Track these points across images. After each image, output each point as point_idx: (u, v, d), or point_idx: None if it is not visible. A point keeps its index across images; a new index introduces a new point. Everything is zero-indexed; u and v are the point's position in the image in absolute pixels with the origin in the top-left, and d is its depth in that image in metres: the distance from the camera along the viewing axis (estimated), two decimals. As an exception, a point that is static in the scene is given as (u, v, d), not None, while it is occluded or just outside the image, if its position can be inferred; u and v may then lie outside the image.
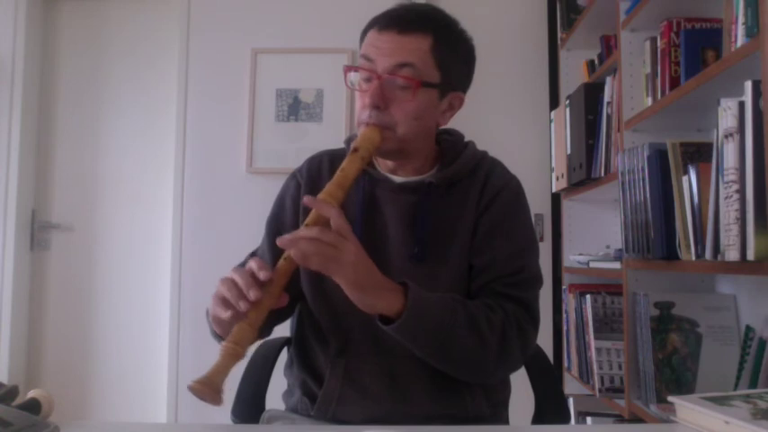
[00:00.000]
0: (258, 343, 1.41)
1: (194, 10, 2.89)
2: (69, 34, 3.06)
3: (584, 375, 2.20)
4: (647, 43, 1.79)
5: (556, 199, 2.65)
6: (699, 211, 1.39)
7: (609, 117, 2.06)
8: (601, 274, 2.10)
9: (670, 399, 0.92)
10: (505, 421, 1.22)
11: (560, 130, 2.45)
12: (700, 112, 1.60)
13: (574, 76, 2.62)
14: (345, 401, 1.10)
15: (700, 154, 1.49)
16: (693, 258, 1.42)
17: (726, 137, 1.24)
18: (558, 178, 2.50)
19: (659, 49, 1.71)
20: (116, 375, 2.89)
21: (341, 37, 2.77)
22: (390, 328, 0.99)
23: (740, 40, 1.29)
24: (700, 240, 1.39)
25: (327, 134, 2.78)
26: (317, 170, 1.22)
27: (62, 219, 2.98)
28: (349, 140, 1.20)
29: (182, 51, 2.88)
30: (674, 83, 1.65)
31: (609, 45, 2.29)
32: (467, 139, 1.25)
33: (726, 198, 1.24)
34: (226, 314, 0.93)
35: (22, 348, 2.90)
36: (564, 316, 2.48)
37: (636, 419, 1.72)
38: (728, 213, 1.23)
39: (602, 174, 2.08)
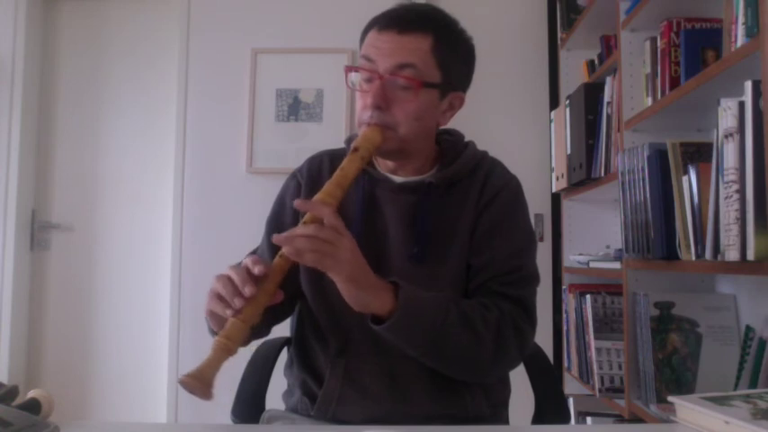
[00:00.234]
0: (258, 343, 1.41)
1: (194, 10, 2.89)
2: (69, 34, 3.06)
3: (584, 375, 2.20)
4: (647, 43, 1.79)
5: (556, 199, 2.65)
6: (699, 211, 1.39)
7: (609, 117, 2.06)
8: (601, 274, 2.10)
9: (670, 399, 0.92)
10: (505, 421, 1.22)
11: (560, 130, 2.45)
12: (700, 112, 1.60)
13: (574, 76, 2.62)
14: (345, 401, 1.10)
15: (700, 154, 1.49)
16: (693, 258, 1.42)
17: (726, 137, 1.24)
18: (558, 178, 2.50)
19: (659, 49, 1.71)
20: (116, 375, 2.89)
21: (341, 37, 2.77)
22: (381, 327, 1.00)
23: (740, 40, 1.29)
24: (700, 240, 1.39)
25: (327, 134, 2.78)
26: (318, 170, 1.22)
27: (62, 219, 2.98)
28: (349, 140, 1.20)
29: (182, 51, 2.88)
30: (674, 83, 1.65)
31: (609, 45, 2.29)
32: (467, 139, 1.25)
33: (726, 198, 1.24)
34: (222, 311, 0.93)
35: (22, 348, 2.90)
36: (564, 316, 2.48)
37: (636, 419, 1.72)
38: (728, 213, 1.23)
39: (602, 174, 2.08)
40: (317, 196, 1.00)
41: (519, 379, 1.31)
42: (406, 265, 1.11)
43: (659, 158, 1.55)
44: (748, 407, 0.85)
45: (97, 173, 2.99)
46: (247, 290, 0.91)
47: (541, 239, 2.68)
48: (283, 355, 1.35)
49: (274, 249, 0.99)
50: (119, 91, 3.01)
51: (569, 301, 2.37)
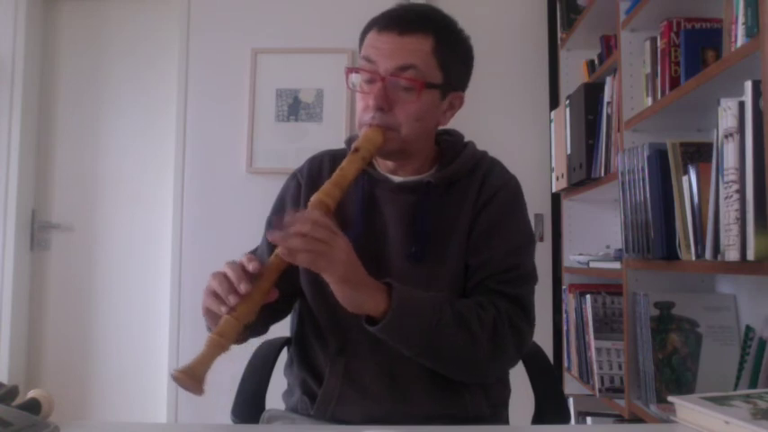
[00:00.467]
0: (258, 343, 1.41)
1: (194, 10, 2.89)
2: (69, 34, 3.06)
3: (584, 375, 2.20)
4: (647, 43, 1.79)
5: (556, 199, 2.65)
6: (699, 211, 1.39)
7: (609, 117, 2.06)
8: (601, 274, 2.10)
9: (670, 399, 0.92)
10: (505, 421, 1.22)
11: (560, 130, 2.45)
12: (700, 112, 1.60)
13: (574, 76, 2.62)
14: (345, 401, 1.10)
15: (700, 154, 1.49)
16: (693, 258, 1.42)
17: (726, 137, 1.24)
18: (558, 178, 2.50)
19: (659, 49, 1.71)
20: (116, 375, 2.89)
21: (341, 37, 2.77)
22: (375, 329, 1.00)
23: (740, 40, 1.29)
24: (700, 240, 1.39)
25: (327, 134, 2.78)
26: (318, 170, 1.22)
27: (62, 219, 2.98)
28: (350, 141, 1.20)
29: (182, 51, 2.88)
30: (674, 83, 1.65)
31: (609, 45, 2.28)
32: (467, 139, 1.25)
33: (726, 198, 1.24)
34: (216, 308, 0.93)
35: (22, 348, 2.90)
36: (564, 316, 2.48)
37: (636, 419, 1.72)
38: (728, 213, 1.23)
39: (602, 174, 2.08)
40: (315, 195, 1.00)
41: (519, 379, 1.31)
42: (404, 264, 1.11)
43: (659, 158, 1.55)
44: (748, 407, 0.85)
45: (97, 173, 2.99)
46: (242, 287, 0.91)
47: (541, 239, 2.68)
48: (283, 355, 1.35)
49: (273, 249, 0.99)
50: (119, 91, 3.01)
51: (569, 301, 2.37)
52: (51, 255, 2.98)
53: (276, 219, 1.23)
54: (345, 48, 2.76)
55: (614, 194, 1.89)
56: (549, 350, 2.43)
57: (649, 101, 1.77)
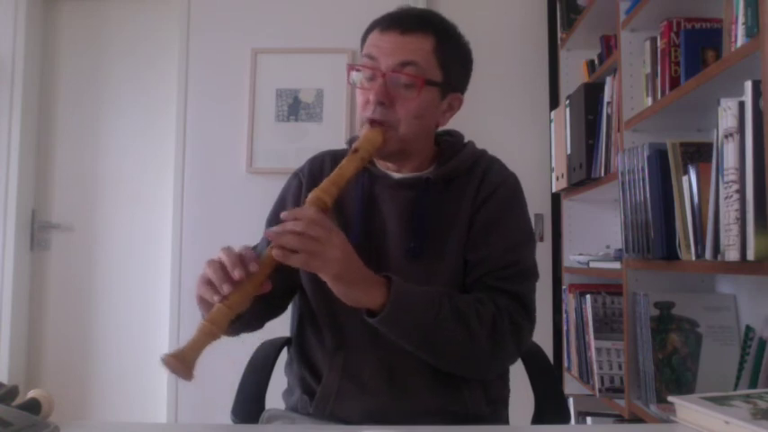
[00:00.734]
0: (258, 343, 1.41)
1: (194, 10, 2.89)
2: (69, 34, 3.06)
3: (584, 375, 2.20)
4: (647, 43, 1.79)
5: (556, 199, 2.65)
6: (699, 211, 1.39)
7: (609, 117, 2.06)
8: (601, 274, 2.10)
9: (670, 399, 0.92)
10: (505, 421, 1.22)
11: (560, 130, 2.45)
12: (700, 112, 1.60)
13: (574, 76, 2.62)
14: (344, 396, 1.11)
15: (700, 154, 1.49)
16: (693, 258, 1.42)
17: (726, 137, 1.24)
18: (558, 178, 2.50)
19: (659, 49, 1.71)
20: (116, 375, 2.89)
21: (341, 37, 2.77)
22: (374, 321, 1.01)
23: (740, 40, 1.29)
24: (700, 240, 1.39)
25: (327, 134, 2.78)
26: (319, 169, 1.23)
27: (62, 219, 2.98)
28: (351, 141, 1.21)
29: (182, 51, 2.88)
30: (674, 83, 1.65)
31: (609, 45, 2.28)
32: (467, 138, 1.26)
33: (726, 198, 1.24)
34: (210, 296, 0.94)
35: (22, 348, 2.90)
36: (564, 316, 2.48)
37: (636, 419, 1.72)
38: (728, 213, 1.23)
39: (602, 174, 2.08)
40: (312, 192, 1.00)
41: (519, 379, 1.31)
42: (403, 260, 1.12)
43: (659, 158, 1.55)
44: (748, 407, 0.85)
45: (97, 173, 2.99)
46: (236, 273, 0.91)
47: (541, 239, 2.68)
48: (283, 355, 1.35)
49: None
50: (119, 91, 3.01)
51: (569, 301, 2.37)
52: (51, 255, 2.98)
53: (273, 215, 1.24)
54: (345, 48, 2.76)
55: (614, 194, 1.89)
56: (549, 350, 2.43)
57: (649, 101, 1.77)
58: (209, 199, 2.82)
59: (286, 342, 1.39)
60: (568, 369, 2.43)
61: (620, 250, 1.86)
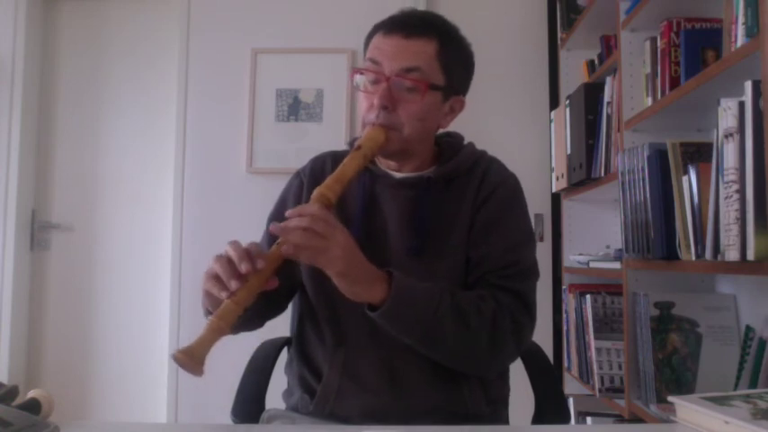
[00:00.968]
0: (258, 343, 1.41)
1: (194, 10, 2.89)
2: (69, 34, 3.06)
3: (584, 375, 2.20)
4: (647, 43, 1.79)
5: (556, 199, 2.65)
6: (699, 211, 1.39)
7: (609, 117, 2.06)
8: (601, 274, 2.10)
9: (670, 399, 0.92)
10: (505, 421, 1.22)
11: (560, 130, 2.45)
12: (700, 112, 1.60)
13: (574, 76, 2.62)
14: (344, 394, 1.11)
15: (700, 154, 1.49)
16: (693, 258, 1.42)
17: (726, 137, 1.24)
18: (558, 178, 2.50)
19: (659, 49, 1.71)
20: (116, 375, 2.89)
21: (341, 37, 2.77)
22: (375, 315, 1.02)
23: (740, 40, 1.29)
24: (700, 240, 1.39)
25: (327, 134, 2.78)
26: (321, 170, 1.25)
27: (62, 219, 2.98)
28: (353, 142, 1.22)
29: (182, 51, 2.88)
30: (674, 83, 1.65)
31: (609, 45, 2.28)
32: (467, 138, 1.27)
33: (726, 198, 1.24)
34: (217, 292, 0.95)
35: (22, 348, 2.90)
36: (564, 316, 2.48)
37: (636, 419, 1.72)
38: (728, 213, 1.23)
39: (602, 174, 2.08)
40: (317, 189, 1.02)
41: (519, 379, 1.31)
42: (404, 259, 1.12)
43: (659, 158, 1.55)
44: (748, 407, 0.85)
45: (97, 173, 2.99)
46: (244, 266, 0.92)
47: (541, 239, 2.68)
48: (283, 356, 1.35)
49: (274, 243, 1.00)
50: (119, 91, 3.01)
51: (569, 301, 2.37)
52: (51, 255, 2.98)
53: (274, 215, 1.25)
54: (345, 48, 2.76)
55: (614, 194, 1.89)
56: (549, 350, 2.43)
57: (649, 101, 1.77)
58: (209, 199, 2.82)
59: (286, 342, 1.39)
60: (568, 369, 2.43)
61: (620, 250, 1.86)
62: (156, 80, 2.97)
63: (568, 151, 2.35)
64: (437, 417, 1.09)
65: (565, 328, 2.48)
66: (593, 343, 2.08)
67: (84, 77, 3.03)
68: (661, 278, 1.73)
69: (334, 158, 1.25)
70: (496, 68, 2.73)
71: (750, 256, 1.17)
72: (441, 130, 1.23)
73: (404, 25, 1.13)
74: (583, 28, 2.43)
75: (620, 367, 2.01)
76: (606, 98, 2.09)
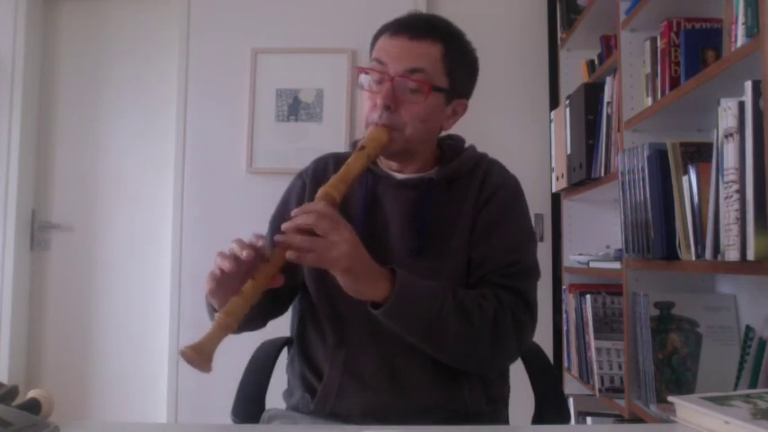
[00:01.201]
0: (258, 342, 1.41)
1: (194, 10, 2.89)
2: (69, 34, 3.06)
3: (584, 375, 2.20)
4: (647, 43, 1.79)
5: (556, 199, 2.65)
6: (699, 211, 1.39)
7: (609, 117, 2.06)
8: (601, 274, 2.10)
9: (670, 399, 0.92)
10: (505, 420, 1.22)
11: (560, 130, 2.45)
12: (700, 112, 1.60)
13: (574, 76, 2.62)
14: (345, 393, 1.11)
15: (700, 154, 1.49)
16: (693, 258, 1.42)
17: (726, 137, 1.24)
18: (558, 178, 2.50)
19: (659, 49, 1.71)
20: (116, 375, 2.89)
21: (341, 37, 2.77)
22: (378, 312, 1.02)
23: (740, 40, 1.29)
24: (700, 240, 1.39)
25: (327, 134, 2.78)
26: (323, 171, 1.26)
27: (62, 219, 2.98)
28: (355, 144, 1.23)
29: (182, 51, 2.88)
30: (674, 83, 1.65)
31: (609, 45, 2.28)
32: (467, 139, 1.28)
33: (726, 198, 1.24)
34: (224, 293, 0.96)
35: (22, 348, 2.90)
36: (564, 316, 2.48)
37: (636, 419, 1.72)
38: (728, 213, 1.23)
39: (602, 174, 2.08)
40: (322, 188, 1.03)
41: (519, 378, 1.31)
42: (406, 259, 1.13)
43: (659, 158, 1.55)
44: (748, 407, 0.85)
45: (97, 173, 2.99)
46: (245, 253, 0.94)
47: (541, 239, 2.68)
48: (283, 356, 1.35)
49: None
50: (119, 91, 3.01)
51: (569, 301, 2.37)
52: (51, 255, 2.98)
53: (277, 216, 1.26)
54: (345, 48, 2.76)
55: (614, 194, 1.89)
56: (549, 350, 2.43)
57: (649, 101, 1.77)
58: (209, 199, 2.82)
59: (286, 342, 1.39)
60: (568, 369, 2.43)
61: (620, 250, 1.86)
62: (156, 80, 2.97)
63: (568, 151, 2.35)
64: (437, 415, 1.09)
65: (565, 328, 2.48)
66: (593, 343, 2.08)
67: (84, 77, 3.02)
68: (661, 278, 1.73)
69: (336, 160, 1.26)
70: (496, 68, 2.73)
71: (750, 256, 1.17)
72: (443, 133, 1.24)
73: (410, 27, 1.14)
74: (583, 28, 2.43)
75: (620, 367, 2.01)
76: (606, 98, 2.09)
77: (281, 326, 1.30)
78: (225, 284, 0.97)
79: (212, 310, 1.05)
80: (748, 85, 1.19)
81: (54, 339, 2.94)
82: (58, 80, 3.04)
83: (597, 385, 2.03)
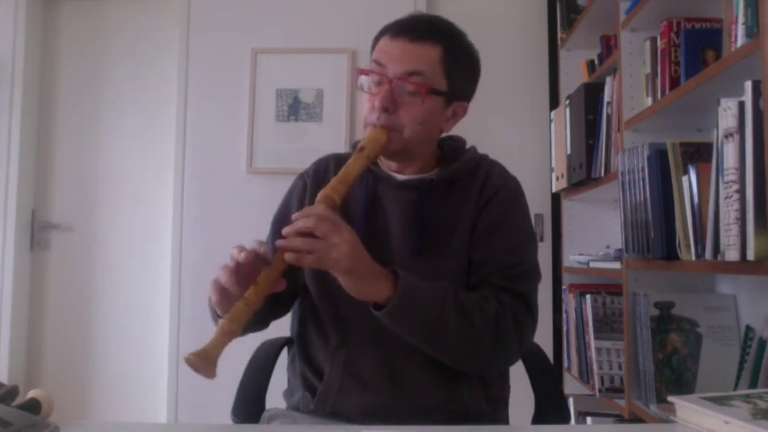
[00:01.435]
0: (258, 342, 1.41)
1: (194, 10, 2.89)
2: (69, 34, 3.06)
3: (584, 375, 2.20)
4: (647, 43, 1.79)
5: (556, 199, 2.65)
6: (699, 211, 1.39)
7: (609, 117, 2.06)
8: (601, 274, 2.10)
9: (670, 399, 0.92)
10: (505, 421, 1.23)
11: (560, 130, 2.45)
12: (700, 112, 1.60)
13: (574, 76, 2.62)
14: (345, 392, 1.12)
15: (700, 154, 1.49)
16: (693, 258, 1.42)
17: (726, 137, 1.24)
18: (558, 178, 2.50)
19: (659, 49, 1.71)
20: (116, 375, 2.89)
21: (341, 37, 2.77)
22: (380, 313, 1.02)
23: (740, 40, 1.29)
24: (700, 240, 1.39)
25: (327, 134, 2.78)
26: (324, 172, 1.26)
27: (62, 219, 2.98)
28: (355, 145, 1.23)
29: (182, 51, 2.88)
30: (674, 83, 1.65)
31: (609, 45, 2.28)
32: (467, 139, 1.28)
33: (726, 198, 1.24)
34: (228, 301, 0.96)
35: (22, 348, 2.90)
36: (564, 316, 2.48)
37: (636, 419, 1.72)
38: (728, 213, 1.23)
39: (602, 174, 2.08)
40: (322, 191, 1.03)
41: (519, 379, 1.31)
42: (406, 259, 1.13)
43: (659, 158, 1.55)
44: (748, 407, 0.85)
45: (97, 173, 2.99)
46: (243, 256, 0.96)
47: (541, 239, 2.68)
48: (283, 356, 1.35)
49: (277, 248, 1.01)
50: (119, 91, 3.01)
51: (569, 301, 2.37)
52: (51, 255, 2.98)
53: (278, 217, 1.26)
54: (345, 48, 2.76)
55: (614, 194, 1.89)
56: (549, 350, 2.43)
57: (649, 101, 1.77)
58: (209, 199, 2.82)
59: (286, 342, 1.39)
60: (568, 369, 2.43)
61: (620, 250, 1.86)
62: (156, 80, 2.97)
63: (568, 151, 2.35)
64: (437, 416, 1.09)
65: (565, 328, 2.48)
66: (593, 343, 2.08)
67: (84, 77, 3.02)
68: (661, 278, 1.73)
69: (337, 160, 1.26)
70: (496, 68, 2.71)
71: (750, 256, 1.17)
72: (443, 134, 1.24)
73: (410, 29, 1.14)
74: (583, 28, 2.43)
75: (620, 367, 2.01)
76: (606, 98, 2.09)
77: (281, 326, 1.30)
78: (228, 295, 0.98)
79: (215, 315, 1.05)
80: (748, 85, 1.19)
81: (54, 339, 2.94)
82: (58, 80, 3.04)
83: (597, 385, 2.03)
